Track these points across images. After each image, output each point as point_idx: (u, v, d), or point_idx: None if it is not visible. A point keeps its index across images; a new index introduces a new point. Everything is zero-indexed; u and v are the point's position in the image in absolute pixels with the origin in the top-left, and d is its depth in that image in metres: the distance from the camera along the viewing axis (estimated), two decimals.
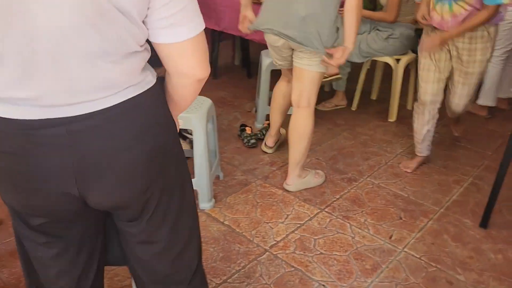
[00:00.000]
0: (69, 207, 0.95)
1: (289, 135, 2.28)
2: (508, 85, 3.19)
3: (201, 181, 2.12)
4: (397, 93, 3.10)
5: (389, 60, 3.02)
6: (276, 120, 2.63)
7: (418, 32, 3.90)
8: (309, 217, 2.15)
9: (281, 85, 2.54)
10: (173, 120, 1.03)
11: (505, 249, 1.99)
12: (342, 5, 1.99)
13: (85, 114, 0.85)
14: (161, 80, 1.01)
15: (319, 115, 3.16)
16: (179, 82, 0.97)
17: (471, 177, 2.53)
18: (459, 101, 2.38)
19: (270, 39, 2.16)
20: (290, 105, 2.58)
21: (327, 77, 3.11)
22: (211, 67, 0.99)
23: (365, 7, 3.46)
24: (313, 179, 2.40)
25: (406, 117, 3.14)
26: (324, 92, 3.38)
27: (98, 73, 0.83)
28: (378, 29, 3.00)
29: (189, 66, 0.92)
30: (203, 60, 0.93)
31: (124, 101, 0.88)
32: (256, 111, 3.13)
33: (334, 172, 2.53)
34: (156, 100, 0.96)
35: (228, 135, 2.90)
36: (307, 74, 2.12)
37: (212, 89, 3.48)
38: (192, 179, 2.10)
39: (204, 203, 2.17)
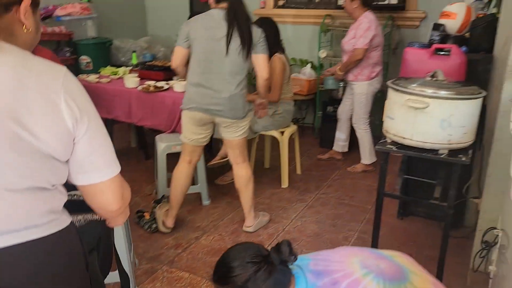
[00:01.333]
0: None
1: (237, 186, 2.74)
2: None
3: None
4: (285, 161, 3.41)
5: (275, 134, 3.34)
6: (178, 201, 2.74)
7: (297, 105, 4.35)
8: None
9: (181, 167, 2.71)
10: (81, 269, 1.03)
11: None
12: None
13: None
14: (70, 229, 1.03)
15: (217, 190, 3.32)
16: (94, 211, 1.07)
17: (357, 232, 2.84)
18: None
19: (196, 115, 2.55)
20: (190, 185, 2.75)
21: (219, 160, 3.34)
22: None
23: (252, 91, 3.82)
24: (264, 218, 2.90)
25: (296, 181, 3.55)
26: (221, 167, 3.57)
27: None
28: None
29: (107, 203, 1.03)
30: (119, 198, 1.04)
31: (20, 243, 0.87)
32: (156, 193, 3.18)
33: None
34: (58, 249, 0.95)
35: (129, 223, 2.89)
36: (237, 142, 2.63)
37: None
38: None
39: None
